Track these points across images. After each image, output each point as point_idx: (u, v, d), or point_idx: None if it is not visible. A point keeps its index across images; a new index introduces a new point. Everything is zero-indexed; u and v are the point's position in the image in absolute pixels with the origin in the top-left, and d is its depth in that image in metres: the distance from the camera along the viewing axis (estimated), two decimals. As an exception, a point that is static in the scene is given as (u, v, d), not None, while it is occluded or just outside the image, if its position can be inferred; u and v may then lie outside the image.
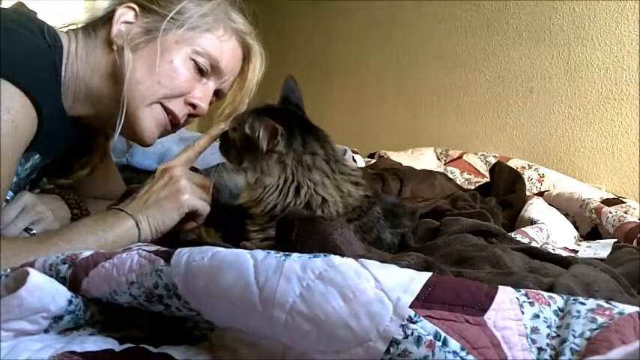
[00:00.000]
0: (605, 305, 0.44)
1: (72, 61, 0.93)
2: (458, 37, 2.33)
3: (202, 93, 1.00)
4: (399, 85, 2.56)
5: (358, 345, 0.44)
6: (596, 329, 0.42)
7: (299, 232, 0.65)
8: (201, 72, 0.98)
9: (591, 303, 0.44)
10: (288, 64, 2.98)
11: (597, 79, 1.92)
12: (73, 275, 0.56)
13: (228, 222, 1.00)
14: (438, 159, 2.07)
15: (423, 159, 2.03)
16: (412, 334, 0.43)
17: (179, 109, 0.98)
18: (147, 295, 0.54)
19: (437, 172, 1.78)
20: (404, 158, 1.99)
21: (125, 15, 0.95)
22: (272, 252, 0.51)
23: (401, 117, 2.52)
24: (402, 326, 0.44)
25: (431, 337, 0.43)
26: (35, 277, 0.51)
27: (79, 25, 0.97)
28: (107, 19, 0.96)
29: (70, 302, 0.54)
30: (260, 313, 0.47)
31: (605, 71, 1.90)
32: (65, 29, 0.97)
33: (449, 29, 2.36)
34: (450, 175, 1.84)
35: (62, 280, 0.56)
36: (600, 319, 0.42)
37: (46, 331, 0.53)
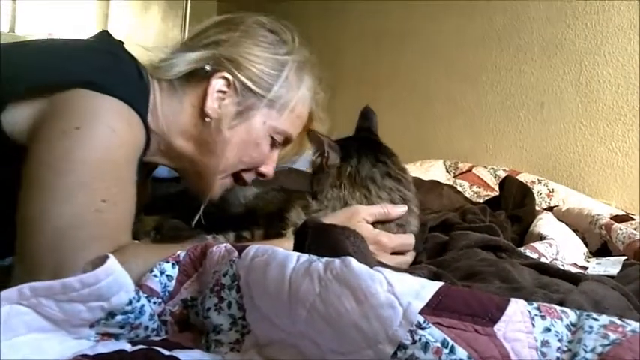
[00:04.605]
0: (618, 322, 0.44)
1: (155, 114, 0.93)
2: (469, 50, 2.33)
3: (271, 161, 1.03)
4: (409, 97, 2.57)
5: (368, 346, 0.46)
6: (608, 345, 0.42)
7: (311, 242, 0.66)
8: (273, 145, 1.01)
9: (604, 319, 0.44)
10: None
11: (608, 95, 1.92)
12: (182, 273, 0.66)
13: (231, 225, 1.06)
14: (447, 171, 2.06)
15: (432, 171, 2.03)
16: (420, 339, 0.44)
17: (249, 177, 1.03)
18: (214, 283, 0.60)
19: (444, 184, 1.77)
20: (413, 170, 1.98)
21: (219, 85, 0.94)
22: (313, 256, 0.54)
23: (411, 129, 2.52)
24: (411, 331, 0.45)
25: (438, 344, 0.44)
26: (113, 263, 0.53)
27: (163, 76, 0.96)
28: (194, 77, 0.95)
29: (130, 302, 0.56)
30: (287, 306, 0.51)
31: (617, 87, 1.90)
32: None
33: (460, 42, 2.37)
34: (459, 188, 1.84)
35: (168, 278, 0.65)
36: (612, 336, 0.42)
37: (91, 325, 0.54)
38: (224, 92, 0.95)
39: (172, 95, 0.96)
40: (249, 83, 0.95)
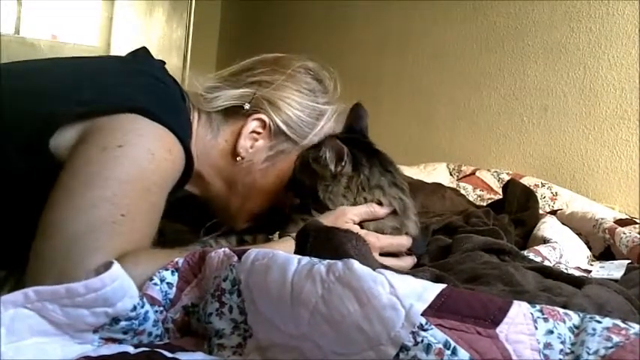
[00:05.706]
0: (622, 325, 0.44)
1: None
2: (473, 54, 2.33)
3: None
4: (412, 100, 2.57)
5: (370, 348, 0.46)
6: (611, 348, 0.42)
7: (313, 244, 0.66)
8: None
9: (607, 322, 0.44)
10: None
11: (612, 98, 1.91)
12: (182, 279, 0.66)
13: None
14: (451, 174, 2.06)
15: (435, 174, 2.03)
16: (422, 341, 0.44)
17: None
18: (215, 288, 0.59)
19: (447, 186, 1.77)
20: (416, 173, 1.98)
21: (254, 125, 0.96)
22: (315, 259, 0.54)
23: (414, 132, 2.52)
24: (413, 333, 0.45)
25: (440, 346, 0.44)
26: (118, 269, 0.53)
27: (204, 107, 0.98)
28: (232, 113, 0.97)
29: (134, 308, 0.56)
30: (289, 309, 0.51)
31: (621, 91, 1.89)
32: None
33: (463, 46, 2.37)
34: (463, 191, 1.83)
35: (169, 285, 0.65)
36: (616, 338, 0.42)
37: (95, 331, 0.54)
38: (258, 133, 0.96)
39: (208, 127, 0.97)
40: (285, 127, 0.96)
